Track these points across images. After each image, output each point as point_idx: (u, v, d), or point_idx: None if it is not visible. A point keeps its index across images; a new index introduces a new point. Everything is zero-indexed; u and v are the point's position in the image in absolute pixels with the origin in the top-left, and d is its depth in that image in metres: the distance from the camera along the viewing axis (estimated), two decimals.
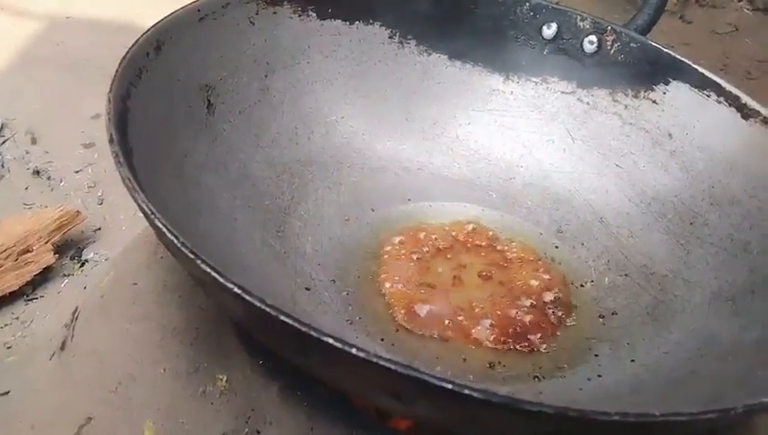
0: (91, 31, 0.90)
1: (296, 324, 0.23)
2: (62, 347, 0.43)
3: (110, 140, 0.31)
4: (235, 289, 0.24)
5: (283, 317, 0.23)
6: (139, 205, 0.28)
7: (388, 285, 0.43)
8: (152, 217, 0.27)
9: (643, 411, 0.24)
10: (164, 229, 0.26)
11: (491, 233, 0.49)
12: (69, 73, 0.81)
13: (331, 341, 0.22)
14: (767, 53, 0.90)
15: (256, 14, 0.49)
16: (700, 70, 0.49)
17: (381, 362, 0.22)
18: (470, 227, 0.49)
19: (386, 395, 0.24)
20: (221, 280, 0.24)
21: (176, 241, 0.26)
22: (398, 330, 0.40)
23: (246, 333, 0.37)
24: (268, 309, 0.23)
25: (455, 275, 0.45)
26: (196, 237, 0.35)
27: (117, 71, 0.37)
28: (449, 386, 0.22)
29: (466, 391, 0.22)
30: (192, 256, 0.25)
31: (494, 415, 0.23)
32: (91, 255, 0.56)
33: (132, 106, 0.36)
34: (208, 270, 0.25)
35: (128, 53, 0.38)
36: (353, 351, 0.22)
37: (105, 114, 0.33)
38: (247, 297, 0.24)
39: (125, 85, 0.36)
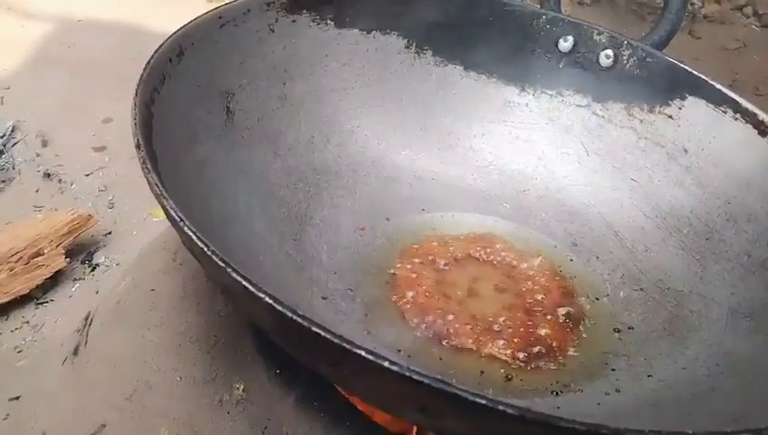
0: (103, 33, 0.90)
1: (329, 336, 0.23)
2: (75, 352, 0.42)
3: (137, 146, 0.30)
4: (267, 299, 0.24)
5: (315, 329, 0.23)
6: (167, 212, 0.28)
7: (403, 295, 0.43)
8: (181, 224, 0.27)
9: (673, 430, 0.24)
10: (194, 237, 0.26)
11: (506, 245, 0.49)
12: (80, 76, 0.81)
13: (363, 353, 0.22)
14: None
15: (276, 22, 0.49)
16: (717, 86, 0.50)
17: (416, 377, 0.22)
18: (485, 238, 0.49)
19: (414, 409, 0.24)
20: (252, 289, 0.24)
21: (206, 249, 0.25)
22: (414, 341, 0.40)
23: (264, 342, 0.37)
24: (300, 320, 0.23)
25: (470, 287, 0.45)
26: (217, 245, 0.35)
27: (141, 76, 0.37)
28: (483, 402, 0.22)
29: (501, 407, 0.22)
30: (222, 265, 0.25)
31: (525, 431, 0.23)
32: (102, 259, 0.56)
33: (156, 112, 0.36)
34: (239, 279, 0.24)
35: (152, 58, 0.38)
36: (386, 364, 0.22)
37: (131, 120, 0.33)
38: (279, 307, 0.23)
39: (149, 91, 0.36)
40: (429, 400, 0.23)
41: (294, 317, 0.23)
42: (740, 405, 0.34)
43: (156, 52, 0.39)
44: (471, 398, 0.22)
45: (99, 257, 0.57)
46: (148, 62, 0.38)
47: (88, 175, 0.66)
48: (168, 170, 0.34)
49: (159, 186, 0.28)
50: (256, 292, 0.24)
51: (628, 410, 0.36)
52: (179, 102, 0.40)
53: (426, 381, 0.22)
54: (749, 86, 0.88)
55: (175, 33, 0.42)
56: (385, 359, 0.22)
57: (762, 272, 0.42)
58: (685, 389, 0.37)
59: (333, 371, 0.26)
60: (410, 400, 0.24)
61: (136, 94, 0.34)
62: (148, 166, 0.29)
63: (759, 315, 0.39)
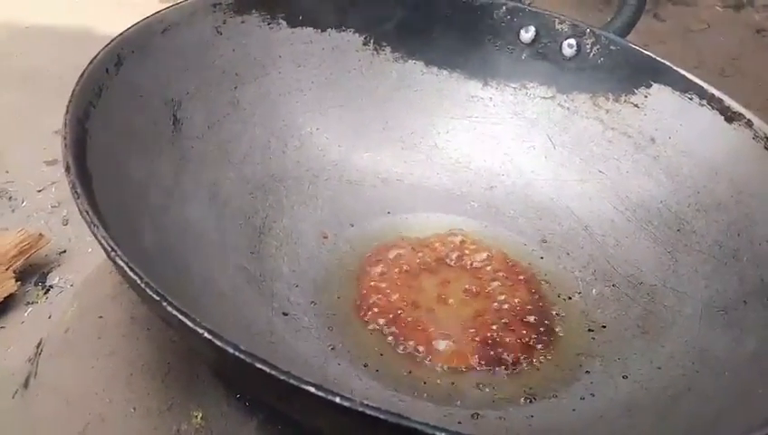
0: (52, 41, 0.86)
1: (275, 373, 0.21)
2: (26, 384, 0.40)
3: (67, 169, 0.28)
4: (205, 334, 0.22)
5: (259, 365, 0.21)
6: (98, 240, 0.25)
7: (369, 306, 0.41)
8: (112, 253, 0.24)
9: None
10: (125, 268, 0.24)
11: (474, 245, 0.47)
12: (29, 87, 0.77)
13: (312, 389, 0.20)
14: (740, 50, 0.90)
15: (223, 24, 0.47)
16: (682, 72, 0.49)
17: (369, 412, 0.20)
18: (452, 239, 0.48)
19: None
20: (189, 323, 0.22)
21: (139, 281, 0.23)
22: (382, 354, 0.39)
23: None
24: (242, 356, 0.21)
25: (438, 293, 0.43)
26: (163, 267, 0.33)
27: (74, 90, 0.34)
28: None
29: None
30: (157, 298, 0.23)
31: None
32: (57, 280, 0.54)
33: (91, 128, 0.34)
34: (175, 313, 0.22)
35: (86, 70, 0.36)
36: (337, 400, 0.20)
37: (61, 139, 0.30)
38: (218, 342, 0.22)
39: (83, 106, 0.34)
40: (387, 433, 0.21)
41: (236, 353, 0.21)
42: (717, 405, 0.33)
43: (90, 62, 0.36)
44: (430, 432, 0.20)
45: (53, 278, 0.54)
46: (82, 74, 0.35)
47: (40, 191, 0.63)
48: (107, 191, 0.32)
49: (89, 212, 0.26)
50: (194, 326, 0.22)
51: (604, 415, 0.35)
52: (119, 115, 0.37)
53: (381, 416, 0.20)
54: (716, 67, 0.88)
55: (112, 40, 0.39)
56: (336, 394, 0.20)
57: (733, 263, 0.41)
58: (661, 390, 0.36)
59: (286, 407, 0.24)
60: (367, 434, 0.22)
61: (67, 111, 0.32)
62: (78, 190, 0.27)
63: (732, 308, 0.39)
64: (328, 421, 0.23)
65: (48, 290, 0.53)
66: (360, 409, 0.20)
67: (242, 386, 0.26)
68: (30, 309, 0.51)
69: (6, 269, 0.51)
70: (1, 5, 0.92)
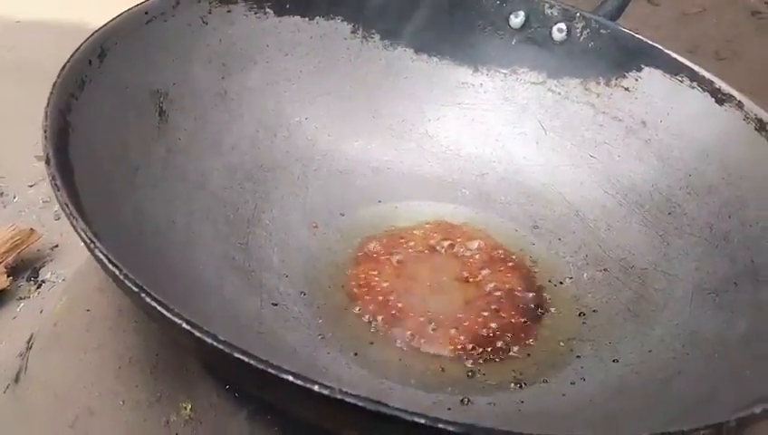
0: (43, 34, 0.86)
1: (252, 362, 0.21)
2: (17, 379, 0.40)
3: (47, 161, 0.28)
4: (184, 324, 0.22)
5: (237, 354, 0.21)
6: (78, 233, 0.25)
7: (360, 294, 0.41)
8: (92, 246, 0.24)
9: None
10: (104, 260, 0.24)
11: (466, 233, 0.47)
12: (20, 80, 0.77)
13: (290, 378, 0.20)
14: (734, 32, 0.90)
15: (209, 14, 0.46)
16: (672, 55, 0.48)
17: (348, 399, 0.20)
18: (444, 227, 0.48)
19: (356, 430, 0.22)
20: (167, 314, 0.22)
21: (118, 273, 0.23)
22: (372, 342, 0.38)
23: None
24: (221, 346, 0.21)
25: (430, 281, 0.43)
26: (150, 259, 0.33)
27: (55, 82, 0.34)
28: (422, 421, 0.20)
29: (441, 425, 0.20)
30: (136, 289, 0.23)
31: None
32: (48, 275, 0.53)
33: (74, 120, 0.34)
34: (153, 303, 0.22)
35: (67, 62, 0.36)
36: (315, 388, 0.20)
37: (41, 131, 0.30)
38: (197, 333, 0.21)
39: (65, 98, 0.34)
40: (367, 422, 0.21)
41: (214, 343, 0.21)
42: (706, 387, 0.32)
43: (72, 55, 0.36)
44: (409, 418, 0.20)
45: (45, 273, 0.54)
46: (63, 66, 0.35)
47: (32, 186, 0.63)
48: (91, 184, 0.32)
49: (68, 205, 0.26)
50: (172, 317, 0.22)
51: (594, 399, 0.35)
52: (104, 108, 0.37)
53: (360, 404, 0.20)
54: (710, 51, 0.87)
55: (95, 32, 0.39)
56: (314, 382, 0.20)
57: (724, 245, 0.41)
58: (651, 373, 0.36)
59: (269, 396, 0.24)
60: (349, 422, 0.22)
61: (48, 103, 0.32)
62: (57, 182, 0.27)
63: (723, 291, 0.38)
64: (310, 410, 0.23)
65: (40, 285, 0.53)
66: (339, 396, 0.20)
67: (226, 377, 0.26)
68: (22, 304, 0.51)
69: None
70: None
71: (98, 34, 0.39)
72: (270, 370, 0.20)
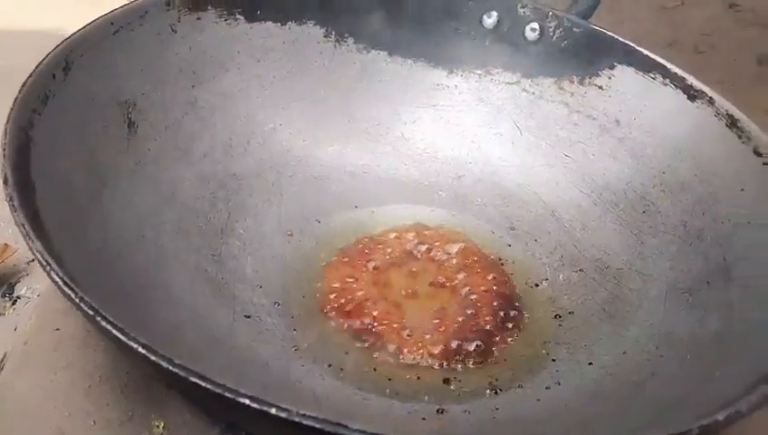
0: (22, 40, 0.84)
1: (209, 386, 0.20)
2: None
3: (5, 181, 0.28)
4: (139, 348, 0.21)
5: (193, 378, 0.21)
6: (34, 254, 0.25)
7: (335, 303, 0.41)
8: (47, 268, 0.24)
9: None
10: (60, 282, 0.23)
11: (442, 236, 0.47)
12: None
13: (247, 401, 0.20)
14: (713, 26, 0.90)
15: (178, 22, 0.46)
16: (644, 52, 0.48)
17: (306, 422, 0.20)
18: (420, 231, 0.47)
19: None
20: (122, 338, 0.22)
21: (73, 295, 0.23)
22: (347, 352, 0.38)
23: None
24: (177, 370, 0.21)
25: (405, 287, 0.43)
26: (117, 276, 0.32)
27: (16, 98, 0.33)
28: None
29: None
30: (91, 312, 0.22)
31: None
32: (24, 290, 0.53)
33: (36, 136, 0.33)
34: (108, 327, 0.22)
35: (29, 77, 0.35)
36: (273, 411, 0.20)
37: (0, 150, 0.30)
38: (152, 357, 0.21)
39: (26, 114, 0.33)
40: None
41: (170, 367, 0.21)
42: (680, 389, 0.33)
43: (35, 70, 0.36)
44: None
45: (20, 289, 0.53)
46: (25, 81, 0.34)
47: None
48: (54, 202, 0.31)
49: (25, 226, 0.25)
50: (127, 340, 0.22)
51: (569, 404, 0.35)
52: (69, 122, 0.36)
53: (317, 425, 0.20)
54: (689, 44, 0.87)
55: (58, 45, 0.38)
56: (272, 405, 0.20)
57: (698, 243, 0.41)
58: (626, 375, 0.36)
59: (229, 417, 0.24)
60: None
61: (7, 120, 0.31)
62: (14, 203, 0.26)
63: (696, 290, 0.38)
64: (271, 431, 0.23)
65: (15, 301, 0.52)
66: (297, 419, 0.20)
67: (188, 398, 0.25)
68: None
69: None
70: None
71: (62, 47, 0.38)
72: (226, 393, 0.20)
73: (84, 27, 0.41)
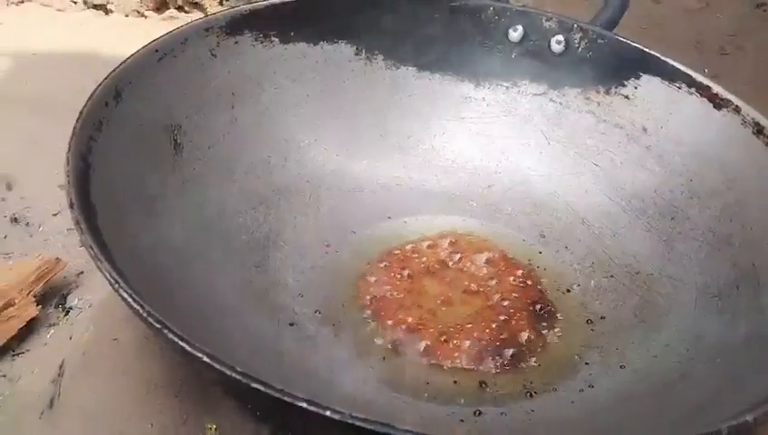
0: (59, 66, 0.88)
1: (269, 390, 0.22)
2: (51, 405, 0.42)
3: (71, 206, 0.30)
4: (205, 357, 0.23)
5: (254, 384, 0.23)
6: (103, 273, 0.27)
7: (372, 310, 0.43)
8: (116, 286, 0.26)
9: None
10: (129, 299, 0.26)
11: (474, 245, 0.49)
12: (39, 112, 0.79)
13: (304, 404, 0.22)
14: (738, 26, 0.90)
15: (217, 46, 0.48)
16: (670, 62, 0.49)
17: (358, 423, 0.22)
18: (452, 240, 0.49)
19: None
20: (189, 349, 0.24)
21: (141, 311, 0.25)
22: (385, 358, 0.40)
23: None
24: (239, 376, 0.23)
25: (440, 294, 0.44)
26: (170, 290, 0.35)
27: (75, 127, 0.36)
28: None
29: None
30: (159, 326, 0.25)
31: None
32: (76, 301, 0.56)
33: (94, 162, 0.36)
34: (175, 339, 0.24)
35: (85, 105, 0.38)
36: (328, 413, 0.22)
37: (65, 177, 0.32)
38: (217, 365, 0.23)
39: (85, 141, 0.36)
40: None
41: (233, 374, 0.23)
42: (708, 391, 0.34)
43: (89, 98, 0.38)
44: None
45: (72, 300, 0.56)
46: (81, 110, 0.37)
47: (55, 214, 0.65)
48: (112, 222, 0.34)
49: (93, 247, 0.28)
50: (193, 350, 0.24)
51: (602, 406, 0.36)
52: (121, 146, 0.39)
53: (368, 426, 0.22)
54: (714, 46, 0.87)
55: (109, 74, 0.41)
56: (326, 408, 0.22)
57: (726, 248, 0.42)
58: (657, 378, 0.37)
59: (286, 418, 0.26)
60: None
61: (69, 148, 0.34)
62: (82, 226, 0.29)
63: (725, 294, 0.39)
64: (325, 432, 0.24)
65: (68, 311, 0.55)
66: (350, 421, 0.22)
67: (247, 401, 0.27)
68: (52, 331, 0.53)
69: (27, 294, 0.53)
70: (7, 34, 0.94)
71: (113, 76, 0.41)
72: (285, 397, 0.22)
73: (132, 55, 0.43)
